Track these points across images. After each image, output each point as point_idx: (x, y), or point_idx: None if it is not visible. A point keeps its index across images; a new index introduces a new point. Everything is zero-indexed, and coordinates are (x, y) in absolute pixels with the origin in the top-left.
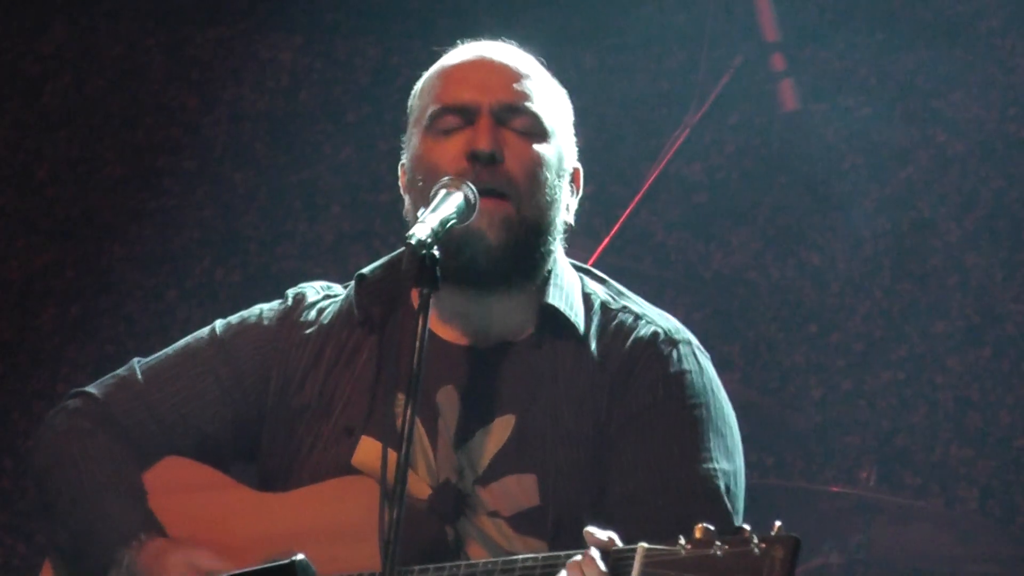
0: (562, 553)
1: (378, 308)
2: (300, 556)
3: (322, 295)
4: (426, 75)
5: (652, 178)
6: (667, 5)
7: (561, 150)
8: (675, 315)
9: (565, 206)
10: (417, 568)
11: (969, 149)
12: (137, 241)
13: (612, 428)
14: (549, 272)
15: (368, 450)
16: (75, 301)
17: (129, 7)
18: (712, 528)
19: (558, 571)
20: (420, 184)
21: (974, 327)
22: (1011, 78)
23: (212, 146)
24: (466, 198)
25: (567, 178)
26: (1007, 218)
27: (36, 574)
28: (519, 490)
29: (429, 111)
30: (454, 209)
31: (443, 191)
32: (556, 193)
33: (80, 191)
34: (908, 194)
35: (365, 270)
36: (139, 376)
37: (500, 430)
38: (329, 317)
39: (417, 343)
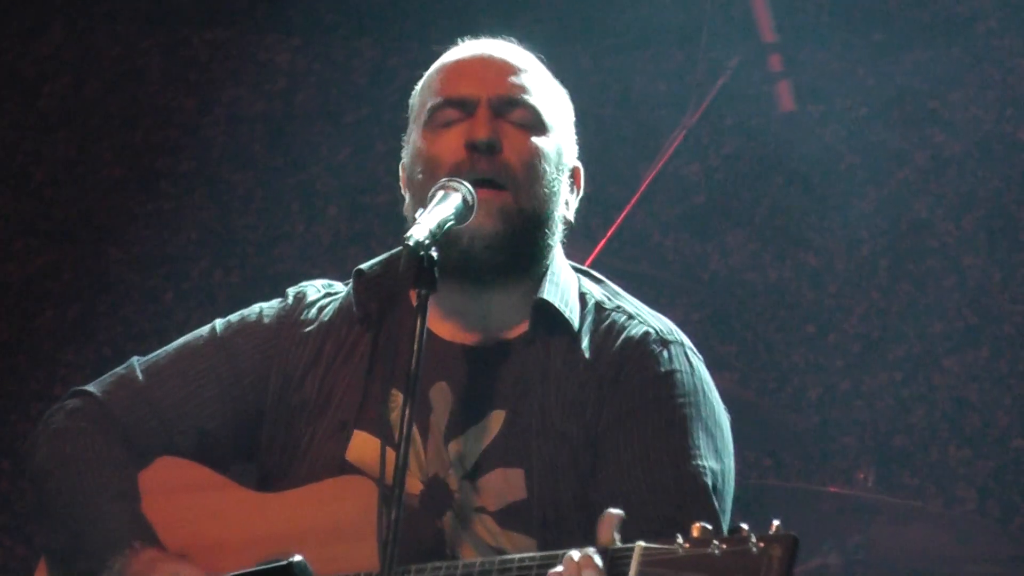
0: (559, 552)
1: (376, 304)
2: (298, 557)
3: (323, 293)
4: (426, 73)
5: (649, 179)
6: (664, 6)
7: (560, 145)
8: (672, 316)
9: (564, 202)
10: (414, 568)
11: (966, 150)
12: (135, 242)
13: (601, 426)
14: (546, 268)
15: (362, 445)
16: (73, 302)
17: (127, 9)
18: (710, 527)
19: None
20: (419, 177)
21: (972, 328)
22: (1008, 79)
23: (210, 147)
24: (464, 199)
25: (566, 173)
26: (1004, 219)
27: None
28: (506, 484)
29: (428, 105)
30: (452, 210)
31: (441, 192)
32: (555, 186)
33: (78, 192)
34: (905, 195)
35: (364, 265)
36: (139, 374)
37: (491, 425)
38: (330, 315)
39: (415, 345)
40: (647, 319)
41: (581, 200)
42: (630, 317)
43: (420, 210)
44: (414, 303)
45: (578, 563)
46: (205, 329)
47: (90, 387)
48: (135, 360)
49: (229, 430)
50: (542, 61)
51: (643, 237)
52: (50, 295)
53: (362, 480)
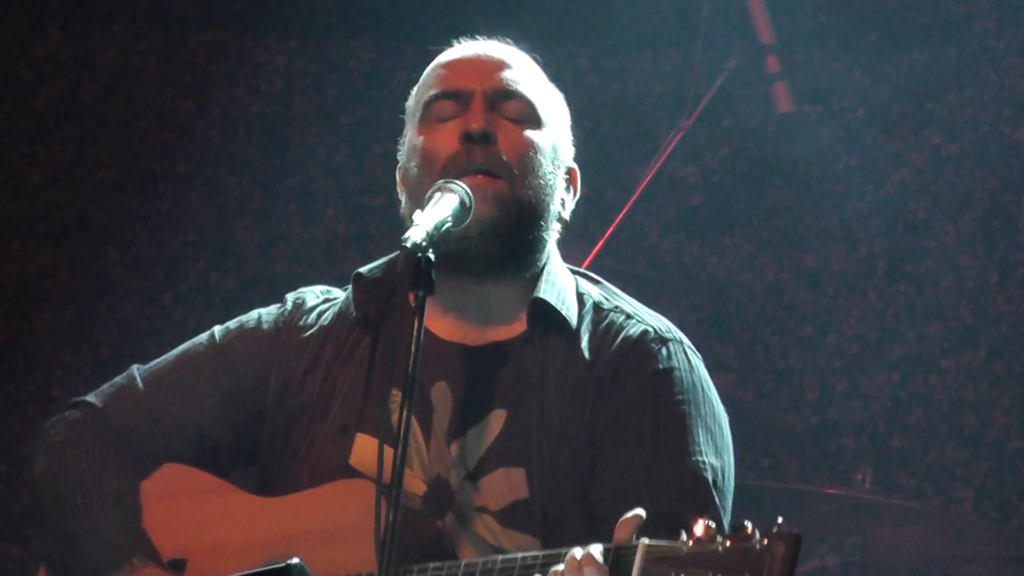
0: (562, 550)
1: (374, 307)
2: (295, 559)
3: (321, 299)
4: (422, 75)
5: (647, 180)
6: (662, 7)
7: (555, 140)
8: (670, 317)
9: (560, 200)
10: (416, 568)
11: (964, 150)
12: (132, 244)
13: (601, 424)
14: (542, 267)
15: (364, 448)
16: (70, 305)
17: (123, 11)
18: (713, 525)
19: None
20: (415, 172)
21: (969, 328)
22: (1005, 79)
23: (207, 149)
24: (461, 201)
25: (562, 170)
26: (1002, 219)
27: None
28: (508, 484)
29: (423, 100)
30: (449, 212)
31: (438, 194)
32: (550, 180)
33: (75, 195)
34: (903, 195)
35: (363, 269)
36: (139, 383)
37: (492, 425)
38: (328, 319)
39: (413, 346)
40: (645, 318)
41: (579, 201)
42: (628, 317)
43: (417, 211)
44: (412, 301)
45: (580, 561)
46: (204, 336)
47: (90, 397)
48: (135, 369)
49: (229, 436)
50: (538, 62)
51: (641, 238)
52: (47, 296)
53: (363, 483)
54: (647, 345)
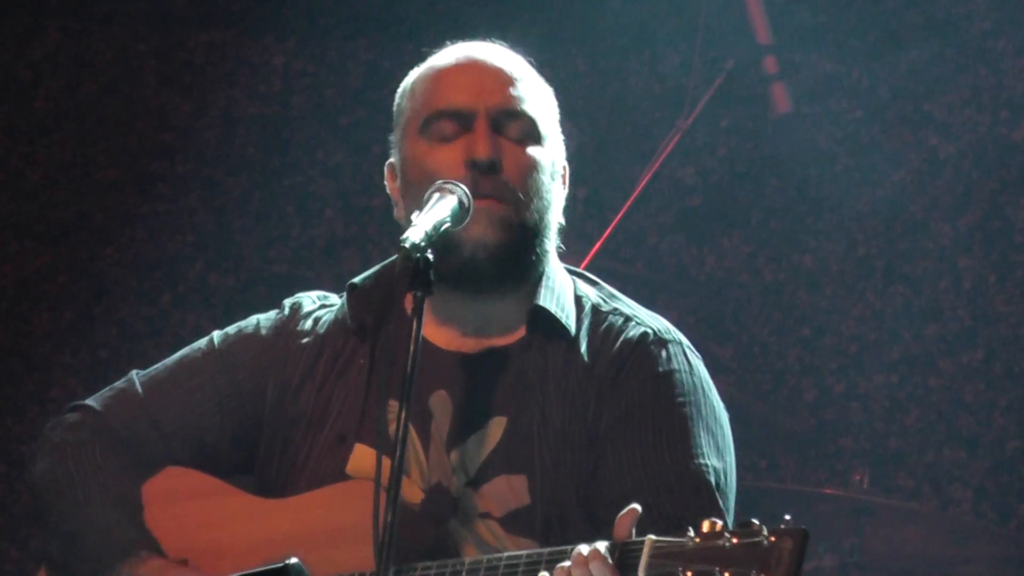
0: (567, 547)
1: (371, 316)
2: (294, 560)
3: (318, 304)
4: (415, 75)
5: (645, 181)
6: (660, 8)
7: (554, 153)
8: (668, 318)
9: (559, 208)
10: (420, 565)
11: (961, 152)
12: (130, 245)
13: (602, 428)
14: (541, 273)
15: (362, 458)
16: (68, 306)
17: (121, 12)
18: (719, 522)
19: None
20: (415, 187)
21: (967, 329)
22: (1003, 80)
23: (205, 150)
24: (460, 201)
25: (559, 179)
26: (999, 220)
27: None
28: (509, 490)
29: (423, 115)
30: (448, 212)
31: (436, 194)
32: (551, 196)
33: (73, 196)
34: (900, 196)
35: (356, 279)
36: (138, 388)
37: (492, 432)
38: (325, 326)
39: (411, 347)
40: (644, 320)
41: (576, 202)
42: (627, 319)
43: (416, 212)
44: (408, 311)
45: (587, 557)
46: (203, 342)
47: (90, 401)
48: (134, 374)
49: (228, 442)
50: (531, 62)
51: (639, 239)
52: (46, 298)
53: (363, 485)
54: (647, 347)
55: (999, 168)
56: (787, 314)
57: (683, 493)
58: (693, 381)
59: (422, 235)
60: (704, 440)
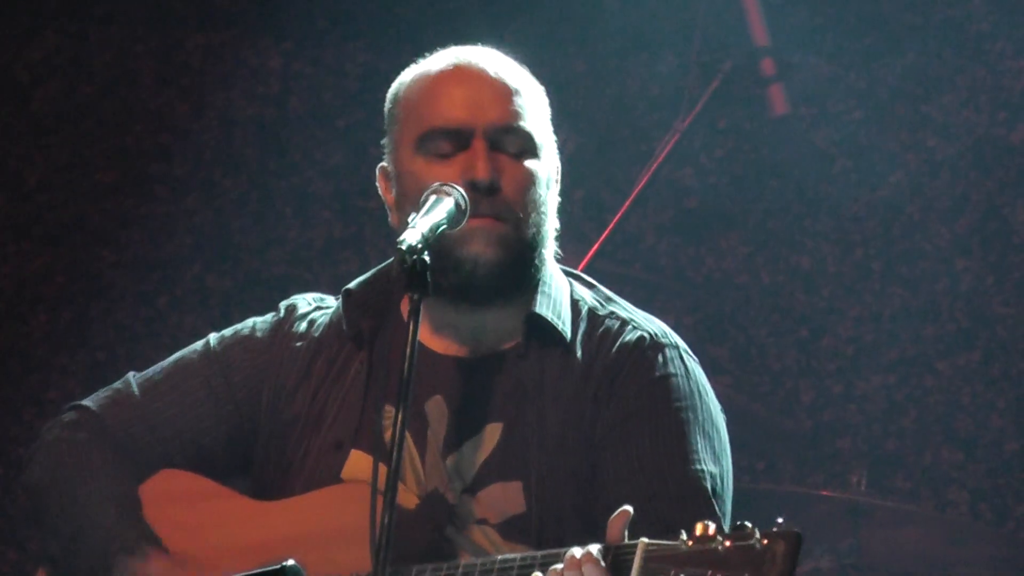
0: (561, 550)
1: (367, 322)
2: (291, 561)
3: (313, 306)
4: (408, 80)
5: (643, 182)
6: (657, 9)
7: (550, 165)
8: (665, 319)
9: (554, 214)
10: (415, 568)
11: (959, 153)
12: (128, 247)
13: (598, 434)
14: (538, 279)
15: (358, 463)
16: (66, 307)
17: (119, 13)
18: (713, 524)
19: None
20: (411, 204)
21: (964, 331)
22: (1001, 82)
23: (203, 152)
24: (456, 204)
25: (555, 186)
26: (997, 222)
27: None
28: (505, 497)
29: (418, 132)
30: (445, 215)
31: (433, 197)
32: (548, 207)
33: (71, 197)
34: (898, 198)
35: (351, 285)
36: (135, 389)
37: (488, 439)
38: (320, 330)
39: (408, 349)
40: (641, 324)
41: (574, 203)
42: (624, 323)
43: (412, 214)
44: (405, 316)
45: (580, 559)
46: (199, 344)
47: (86, 402)
48: (131, 375)
49: (224, 444)
50: (525, 63)
51: (636, 240)
52: (43, 299)
53: (360, 487)
54: (643, 352)
55: (997, 169)
56: (785, 315)
57: (680, 499)
58: (689, 385)
59: (419, 237)
60: (701, 445)
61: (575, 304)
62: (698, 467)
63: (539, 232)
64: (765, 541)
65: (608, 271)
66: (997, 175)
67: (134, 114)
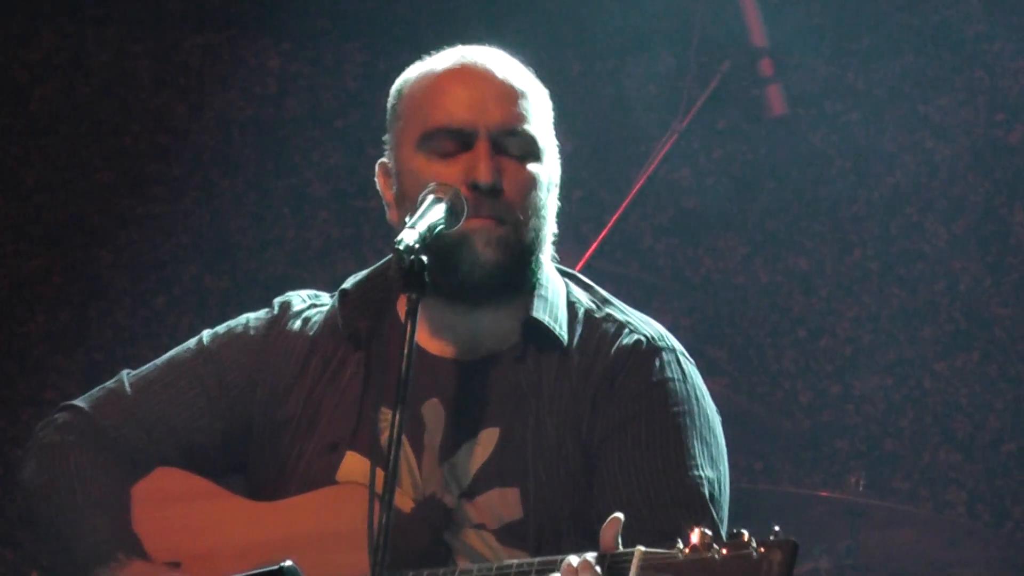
0: (557, 557)
1: (364, 322)
2: (288, 562)
3: (308, 304)
4: (412, 76)
5: (641, 183)
6: (655, 10)
7: (551, 167)
8: (663, 320)
9: (553, 217)
10: (411, 574)
11: (957, 154)
12: (125, 248)
13: (596, 439)
14: (535, 282)
15: (353, 465)
16: (64, 308)
17: (117, 14)
18: (710, 533)
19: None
20: (411, 202)
21: (962, 332)
22: (998, 83)
23: (200, 152)
24: (454, 203)
25: (555, 189)
26: (995, 223)
27: None
28: (503, 503)
29: (421, 130)
30: (442, 214)
31: (431, 196)
32: (547, 211)
33: (68, 198)
34: (896, 199)
35: (347, 285)
36: (127, 388)
37: (485, 443)
38: (315, 328)
39: (405, 348)
40: (637, 326)
41: (572, 204)
42: (621, 326)
43: (409, 214)
44: (402, 316)
45: (576, 568)
46: (192, 341)
47: (79, 401)
48: (124, 374)
49: (218, 443)
50: (527, 64)
51: (634, 241)
52: (41, 300)
53: (356, 489)
54: (640, 356)
55: (995, 171)
56: (783, 316)
57: (677, 505)
58: (687, 390)
59: (416, 237)
60: (698, 450)
61: (571, 306)
62: (696, 473)
63: (538, 235)
64: (762, 550)
65: (606, 271)
66: (995, 176)
67: (132, 114)
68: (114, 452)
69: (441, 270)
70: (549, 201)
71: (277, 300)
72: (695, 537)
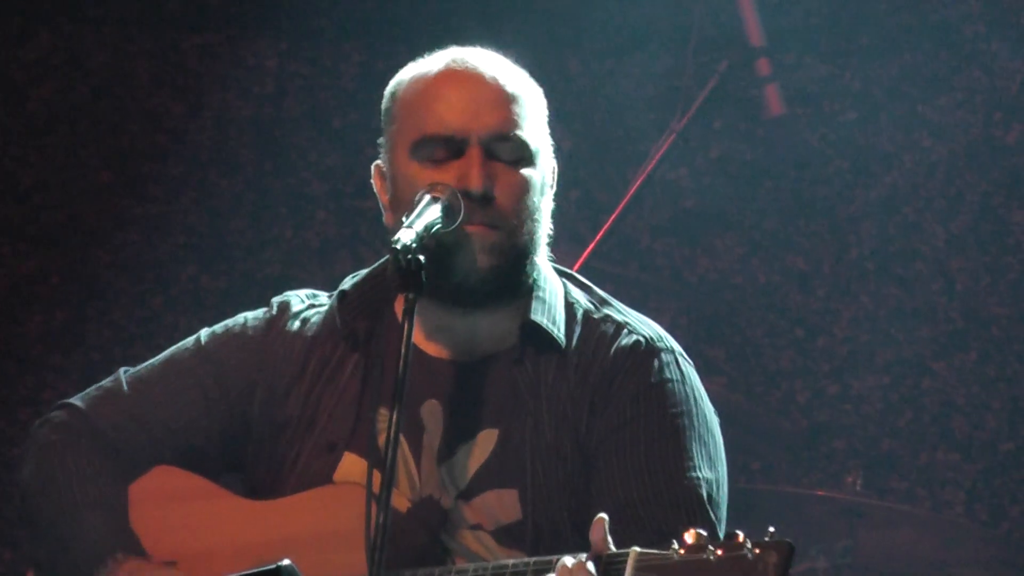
0: (552, 558)
1: (362, 323)
2: (286, 561)
3: (307, 304)
4: (406, 81)
5: (638, 183)
6: (652, 9)
7: (545, 170)
8: (661, 320)
9: (549, 215)
10: (407, 573)
11: (954, 154)
12: (123, 247)
13: (594, 440)
14: (533, 283)
15: (351, 466)
16: (61, 308)
17: (114, 14)
18: (705, 534)
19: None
20: (405, 206)
21: (960, 331)
22: (996, 82)
23: (198, 152)
24: (451, 203)
25: (549, 190)
26: (992, 222)
27: None
28: (500, 505)
29: (413, 137)
30: (439, 214)
31: (427, 197)
32: (541, 214)
33: (65, 198)
34: (893, 199)
35: (346, 286)
36: (124, 387)
37: (483, 445)
38: (313, 329)
39: (403, 348)
40: (636, 327)
41: (570, 204)
42: (619, 327)
43: (406, 215)
44: (400, 316)
45: (571, 569)
46: (190, 340)
47: (76, 400)
48: (122, 372)
49: (216, 442)
50: (525, 64)
51: (632, 241)
52: (38, 300)
53: (355, 488)
54: (638, 357)
55: (992, 170)
56: (780, 316)
57: (675, 506)
58: (685, 391)
59: (413, 236)
60: (697, 452)
61: (570, 307)
62: (694, 474)
63: (532, 239)
64: (757, 551)
65: (604, 271)
66: (992, 176)
67: (129, 114)
68: (111, 451)
69: (437, 275)
70: (544, 203)
71: (275, 300)
72: (690, 538)
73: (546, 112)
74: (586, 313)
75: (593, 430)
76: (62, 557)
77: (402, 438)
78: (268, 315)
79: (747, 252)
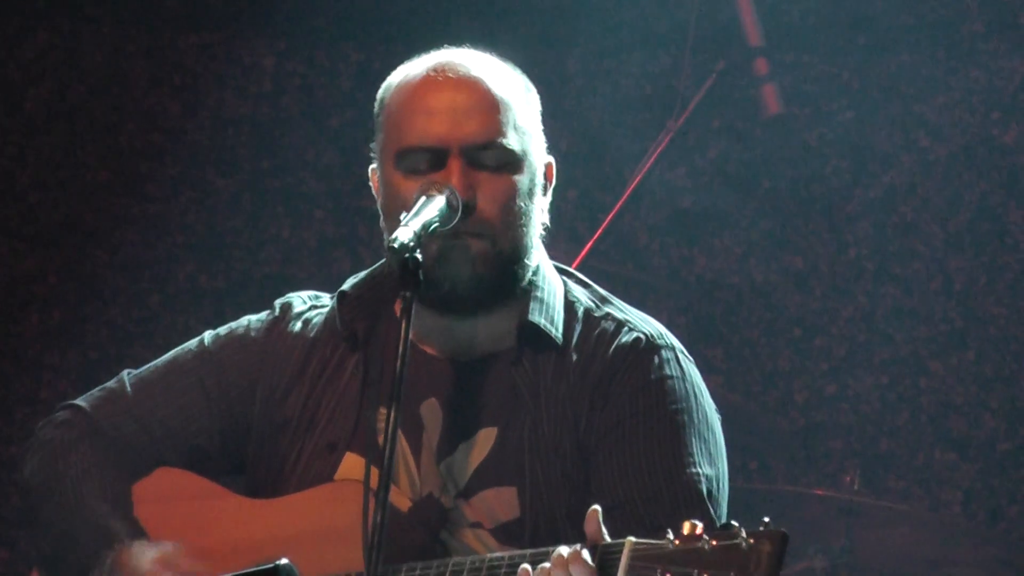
0: (549, 549)
1: (362, 323)
2: (284, 560)
3: (308, 305)
4: (393, 87)
5: (636, 182)
6: (650, 9)
7: (534, 169)
8: (658, 319)
9: (540, 221)
10: (405, 567)
11: (952, 153)
12: (120, 247)
13: (594, 436)
14: (530, 283)
15: (352, 466)
16: (58, 307)
17: (112, 13)
18: (700, 524)
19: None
20: (393, 214)
21: (957, 330)
22: (994, 82)
23: (195, 151)
24: (448, 202)
25: (539, 190)
26: (990, 222)
27: None
28: (499, 503)
29: (397, 148)
30: (436, 213)
31: (424, 196)
32: (530, 217)
33: (63, 197)
34: (891, 198)
35: (346, 287)
36: (128, 389)
37: (482, 443)
38: (315, 330)
39: (400, 347)
40: (637, 325)
41: (567, 203)
42: (620, 324)
43: (404, 214)
44: (398, 316)
45: (567, 558)
46: (193, 342)
47: (79, 401)
48: (125, 374)
49: (217, 444)
50: (522, 64)
51: (630, 240)
52: (35, 299)
53: (354, 485)
54: (639, 354)
55: (990, 170)
56: (778, 315)
57: (675, 502)
58: (685, 388)
59: (411, 235)
60: (696, 448)
61: (570, 305)
62: (694, 470)
63: (519, 244)
64: (751, 541)
65: (601, 271)
66: (990, 175)
67: (127, 113)
68: (114, 451)
69: (427, 285)
70: (534, 205)
71: (278, 302)
72: (686, 528)
73: (539, 110)
74: (587, 311)
75: (593, 427)
76: (67, 552)
77: (402, 436)
78: (271, 317)
79: (745, 251)
